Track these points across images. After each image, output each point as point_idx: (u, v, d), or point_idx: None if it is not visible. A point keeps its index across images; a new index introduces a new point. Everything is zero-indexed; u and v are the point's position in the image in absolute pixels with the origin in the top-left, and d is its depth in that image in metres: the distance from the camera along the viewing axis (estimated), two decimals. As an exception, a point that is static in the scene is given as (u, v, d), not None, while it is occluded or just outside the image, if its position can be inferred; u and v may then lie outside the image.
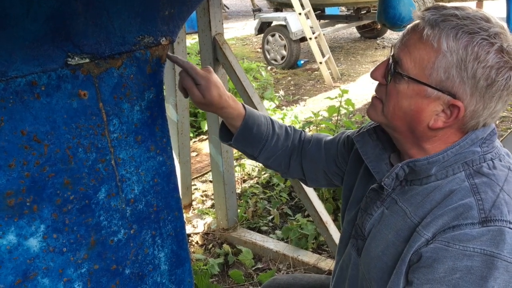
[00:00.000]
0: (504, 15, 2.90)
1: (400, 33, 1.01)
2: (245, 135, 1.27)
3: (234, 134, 1.28)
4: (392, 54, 1.00)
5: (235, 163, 3.20)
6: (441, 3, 0.98)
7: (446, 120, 0.94)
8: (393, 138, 1.07)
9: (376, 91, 1.06)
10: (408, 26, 0.98)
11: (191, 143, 4.03)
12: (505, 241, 0.85)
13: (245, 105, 1.27)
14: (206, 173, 3.99)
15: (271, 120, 1.34)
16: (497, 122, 4.76)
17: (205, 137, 4.72)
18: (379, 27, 9.54)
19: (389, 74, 0.98)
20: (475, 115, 0.93)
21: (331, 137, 1.37)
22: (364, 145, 1.13)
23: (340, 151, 1.31)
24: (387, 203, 1.06)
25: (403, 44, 0.96)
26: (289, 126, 1.39)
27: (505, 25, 0.91)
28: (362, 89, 6.37)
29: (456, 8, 0.92)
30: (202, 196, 3.60)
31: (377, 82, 1.05)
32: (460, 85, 0.90)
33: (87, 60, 0.95)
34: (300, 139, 1.37)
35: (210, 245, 2.92)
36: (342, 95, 3.72)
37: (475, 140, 0.96)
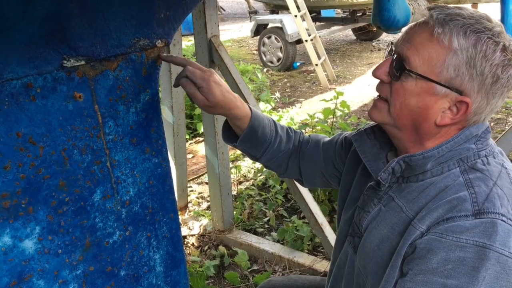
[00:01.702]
0: (498, 17, 2.92)
1: (402, 31, 1.02)
2: (251, 137, 1.26)
3: (238, 135, 1.27)
4: (393, 52, 1.00)
5: (231, 165, 3.20)
6: (441, 4, 1.00)
7: (453, 116, 0.96)
8: (393, 137, 1.08)
9: (378, 90, 1.06)
10: (412, 25, 0.99)
11: (187, 145, 4.03)
12: (497, 233, 0.87)
13: (251, 106, 1.26)
14: (202, 175, 3.99)
15: (274, 122, 1.34)
16: (492, 124, 4.79)
17: (201, 139, 4.72)
18: (375, 29, 9.58)
19: (396, 72, 0.98)
20: (479, 111, 0.96)
21: (328, 138, 1.38)
22: (362, 144, 1.15)
23: (338, 151, 1.32)
24: (384, 201, 1.07)
25: (409, 42, 0.97)
26: (289, 127, 1.39)
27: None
28: (358, 91, 6.38)
29: (458, 7, 0.95)
30: (197, 198, 3.60)
31: (376, 82, 1.06)
32: (469, 82, 0.92)
33: (83, 63, 0.95)
34: (299, 140, 1.39)
35: (206, 247, 2.92)
36: (337, 97, 3.73)
37: (469, 137, 0.98)
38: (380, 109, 1.05)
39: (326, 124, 3.81)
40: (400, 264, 0.97)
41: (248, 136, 1.25)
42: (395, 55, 0.99)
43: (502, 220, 0.88)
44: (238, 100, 1.20)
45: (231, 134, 1.30)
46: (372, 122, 1.16)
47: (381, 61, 1.04)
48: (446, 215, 0.92)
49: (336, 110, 3.81)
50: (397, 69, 0.98)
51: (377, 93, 1.07)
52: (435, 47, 0.93)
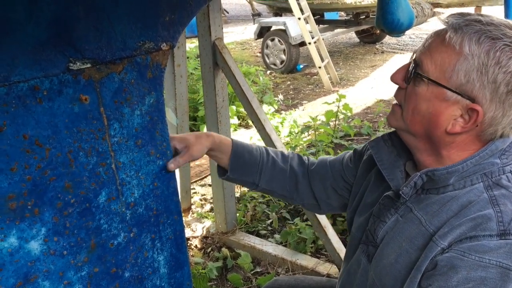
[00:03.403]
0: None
1: (423, 39, 1.02)
2: (239, 162, 1.29)
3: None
4: (413, 58, 1.00)
5: (234, 167, 3.18)
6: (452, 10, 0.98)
7: (464, 125, 0.94)
8: (410, 146, 1.06)
9: (395, 96, 1.06)
10: (432, 32, 0.98)
11: (190, 147, 4.03)
12: None
13: (233, 139, 1.32)
14: (205, 177, 4.00)
15: (264, 147, 1.36)
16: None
17: (204, 141, 4.71)
18: (378, 32, 9.57)
19: (409, 76, 0.98)
20: (494, 122, 0.92)
21: (334, 157, 1.39)
22: (379, 151, 1.13)
23: (346, 166, 1.31)
24: (401, 211, 1.05)
25: (425, 47, 0.97)
26: (282, 151, 1.40)
27: None
28: (361, 94, 6.37)
29: (481, 14, 0.93)
30: (201, 200, 3.61)
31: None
32: (480, 89, 0.89)
33: (89, 65, 0.96)
34: (303, 162, 1.38)
35: (209, 249, 2.92)
36: (339, 99, 3.74)
37: (495, 151, 0.95)
38: (394, 113, 1.04)
39: (328, 127, 3.81)
40: (419, 280, 0.95)
41: (235, 162, 1.30)
42: (413, 61, 0.99)
43: None
44: (218, 137, 1.30)
45: (225, 170, 1.36)
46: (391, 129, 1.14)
47: (400, 66, 1.04)
48: (469, 233, 0.89)
49: (339, 113, 3.81)
50: (410, 73, 0.97)
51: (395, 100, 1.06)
52: (447, 52, 0.92)
